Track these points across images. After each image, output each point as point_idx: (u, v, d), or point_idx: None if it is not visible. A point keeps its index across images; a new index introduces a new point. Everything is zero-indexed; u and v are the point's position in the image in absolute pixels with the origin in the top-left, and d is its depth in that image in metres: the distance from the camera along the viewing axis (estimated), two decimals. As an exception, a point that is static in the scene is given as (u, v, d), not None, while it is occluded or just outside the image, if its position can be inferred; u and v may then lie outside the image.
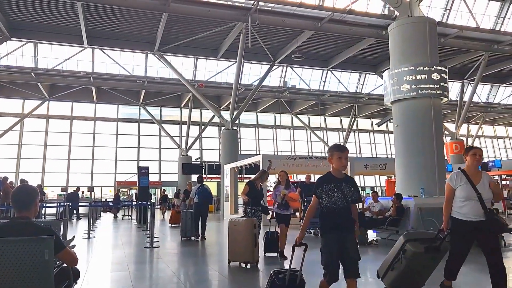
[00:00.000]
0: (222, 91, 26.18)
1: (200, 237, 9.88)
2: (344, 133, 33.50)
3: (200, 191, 10.06)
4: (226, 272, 6.06)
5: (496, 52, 21.94)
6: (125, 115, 31.40)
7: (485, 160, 27.56)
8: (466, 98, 26.52)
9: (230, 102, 22.64)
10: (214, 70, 25.18)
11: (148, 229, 9.60)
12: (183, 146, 29.68)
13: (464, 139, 31.04)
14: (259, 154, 23.79)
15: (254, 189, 7.07)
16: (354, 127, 34.19)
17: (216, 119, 27.22)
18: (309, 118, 33.98)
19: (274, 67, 24.19)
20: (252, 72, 25.95)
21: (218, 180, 23.97)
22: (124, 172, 29.42)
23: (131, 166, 29.46)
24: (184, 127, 30.27)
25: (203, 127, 31.24)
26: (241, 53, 19.91)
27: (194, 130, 30.94)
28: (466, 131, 34.43)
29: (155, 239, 8.76)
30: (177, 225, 12.54)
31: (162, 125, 30.42)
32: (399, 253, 3.93)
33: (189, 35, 20.04)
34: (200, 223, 9.98)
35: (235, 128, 23.64)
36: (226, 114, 23.81)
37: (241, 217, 6.68)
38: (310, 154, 32.14)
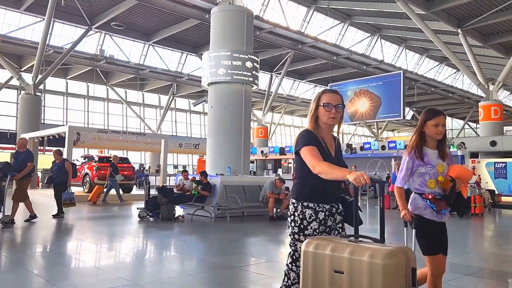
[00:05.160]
0: (25, 50, 22.70)
1: None
2: (162, 110, 33.35)
3: None
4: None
5: (300, 51, 24.98)
6: None
7: (283, 145, 31.35)
8: (273, 89, 29.49)
9: (34, 64, 19.86)
10: (16, 24, 21.64)
11: None
12: (-32, 109, 24.79)
13: (268, 125, 34.58)
14: (66, 124, 21.73)
15: None
16: (172, 105, 34.32)
17: (15, 82, 23.53)
18: (126, 91, 32.56)
19: (91, 32, 22.24)
20: (64, 34, 23.27)
21: (13, 150, 20.93)
22: None
23: None
24: (-29, 86, 25.25)
25: (-4, 88, 26.60)
26: (51, 9, 17.63)
27: (-15, 91, 26.12)
28: (270, 118, 38.37)
29: None
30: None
31: None
32: None
33: (-16, -24, 16.71)
34: None
35: (38, 94, 20.98)
36: (28, 77, 20.84)
37: None
38: (125, 129, 30.96)
